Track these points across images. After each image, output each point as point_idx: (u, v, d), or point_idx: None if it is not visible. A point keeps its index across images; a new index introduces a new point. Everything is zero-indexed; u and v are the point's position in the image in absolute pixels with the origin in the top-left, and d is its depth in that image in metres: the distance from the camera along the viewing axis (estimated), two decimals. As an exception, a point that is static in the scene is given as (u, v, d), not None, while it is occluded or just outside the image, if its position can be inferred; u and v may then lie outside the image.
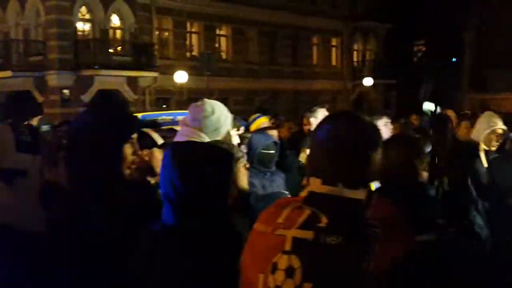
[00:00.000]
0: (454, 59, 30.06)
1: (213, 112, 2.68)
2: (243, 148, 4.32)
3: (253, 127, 6.90)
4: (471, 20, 26.22)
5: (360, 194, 1.45)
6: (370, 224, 1.39)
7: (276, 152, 4.03)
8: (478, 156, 4.65)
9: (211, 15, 24.14)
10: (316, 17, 28.05)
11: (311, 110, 5.51)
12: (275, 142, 4.14)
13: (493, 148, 4.71)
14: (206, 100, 2.77)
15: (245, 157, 4.29)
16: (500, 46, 31.74)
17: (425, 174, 2.51)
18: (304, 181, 1.52)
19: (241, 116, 7.15)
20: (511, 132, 5.11)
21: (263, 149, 3.98)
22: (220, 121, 2.69)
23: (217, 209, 1.74)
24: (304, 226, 1.41)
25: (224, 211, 1.74)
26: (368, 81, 28.70)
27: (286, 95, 27.19)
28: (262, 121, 6.51)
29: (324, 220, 1.40)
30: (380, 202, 1.52)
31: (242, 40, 25.89)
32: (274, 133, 5.40)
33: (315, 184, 1.47)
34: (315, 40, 29.81)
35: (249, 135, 4.51)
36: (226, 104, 2.87)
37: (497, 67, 34.40)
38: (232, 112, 2.88)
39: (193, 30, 24.69)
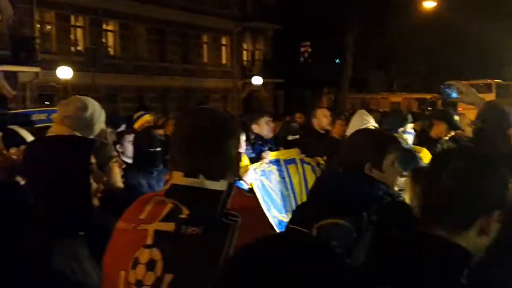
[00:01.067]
0: (337, 60, 31.56)
1: (84, 109, 2.58)
2: (119, 148, 4.25)
3: (137, 124, 6.82)
4: (353, 23, 27.66)
5: (221, 185, 1.49)
6: (231, 214, 1.43)
7: (162, 150, 3.98)
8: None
9: (97, 9, 23.29)
10: (206, 16, 28.08)
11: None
12: (160, 140, 4.11)
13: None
14: (77, 96, 2.68)
15: (129, 155, 4.23)
16: (379, 49, 33.88)
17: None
18: (167, 176, 1.55)
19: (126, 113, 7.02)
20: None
21: (148, 148, 3.94)
22: (92, 118, 2.60)
23: (77, 203, 1.68)
24: (166, 219, 1.44)
25: (86, 206, 1.69)
26: (257, 80, 29.27)
27: (176, 92, 26.95)
28: (146, 119, 6.46)
29: (185, 212, 1.43)
30: (241, 193, 1.57)
31: (131, 36, 25.25)
32: (160, 131, 5.38)
33: (176, 177, 1.50)
34: (205, 38, 29.85)
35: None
36: (114, 102, 2.79)
37: (377, 68, 36.69)
38: (121, 109, 2.79)
39: (78, 24, 23.69)
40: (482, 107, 2.83)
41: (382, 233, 1.80)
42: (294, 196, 4.81)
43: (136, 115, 7.07)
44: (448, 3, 26.29)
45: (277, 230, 4.21)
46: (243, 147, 4.55)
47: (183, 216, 1.43)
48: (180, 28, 27.21)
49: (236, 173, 1.61)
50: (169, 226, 1.42)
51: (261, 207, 1.59)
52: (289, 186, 4.82)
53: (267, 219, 1.59)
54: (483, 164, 1.39)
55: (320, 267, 0.89)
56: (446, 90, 3.00)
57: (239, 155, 1.63)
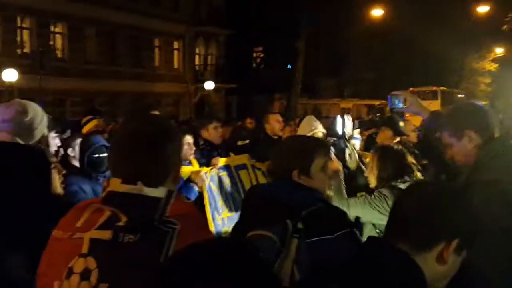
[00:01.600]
0: (289, 66, 31.87)
1: (25, 113, 2.47)
2: (70, 152, 4.15)
3: (85, 129, 6.67)
4: (304, 30, 28.00)
5: (159, 192, 1.47)
6: (169, 221, 1.41)
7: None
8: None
9: (45, 11, 22.66)
10: (158, 19, 27.82)
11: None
12: (106, 146, 4.03)
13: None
14: (17, 99, 2.57)
15: (76, 160, 4.13)
16: (330, 55, 34.45)
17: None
18: (105, 183, 1.52)
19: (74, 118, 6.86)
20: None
21: (94, 153, 3.85)
22: (33, 123, 2.49)
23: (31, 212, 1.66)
24: (102, 227, 1.41)
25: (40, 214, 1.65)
26: (209, 85, 29.19)
27: (127, 97, 26.51)
28: (95, 124, 6.33)
29: (123, 219, 1.40)
30: (181, 200, 1.56)
31: (80, 38, 24.70)
32: (106, 136, 5.27)
33: (114, 184, 1.48)
34: (157, 42, 29.56)
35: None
36: (62, 106, 2.70)
37: (328, 75, 37.26)
38: (69, 114, 2.71)
39: (25, 26, 23.00)
40: (427, 116, 2.93)
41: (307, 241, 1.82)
42: None
43: (84, 120, 6.93)
44: (394, 12, 27.05)
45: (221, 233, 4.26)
46: (190, 153, 4.54)
47: (120, 223, 1.40)
48: (131, 31, 26.81)
49: (176, 180, 1.58)
50: (106, 234, 1.39)
51: (200, 214, 1.57)
52: (241, 191, 4.83)
53: (207, 226, 1.58)
54: (449, 194, 1.48)
55: (245, 273, 0.92)
56: (392, 99, 3.07)
57: (179, 161, 1.61)
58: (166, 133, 1.55)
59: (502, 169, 2.29)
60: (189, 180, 4.35)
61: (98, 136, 4.37)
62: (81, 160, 3.86)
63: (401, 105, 3.00)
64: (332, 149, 3.26)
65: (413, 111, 3.06)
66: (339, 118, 3.13)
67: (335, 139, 5.22)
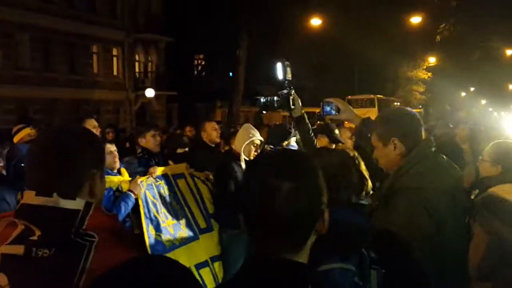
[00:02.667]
0: (230, 74, 31.95)
1: None
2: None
3: (16, 138, 6.42)
4: (243, 38, 28.17)
5: (76, 204, 1.42)
6: (87, 234, 1.37)
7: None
8: (240, 166, 4.99)
9: (-27, 15, 21.74)
10: (95, 26, 27.23)
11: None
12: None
13: (252, 157, 5.09)
14: None
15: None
16: (270, 64, 34.73)
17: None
18: (19, 196, 1.46)
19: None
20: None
21: (20, 162, 3.72)
22: None
23: None
24: (15, 241, 1.35)
25: None
26: (150, 92, 28.81)
27: (64, 104, 25.75)
28: (27, 132, 6.11)
29: (37, 233, 1.35)
30: (100, 212, 1.51)
31: (12, 44, 23.75)
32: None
33: (28, 196, 1.42)
34: (95, 48, 28.88)
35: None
36: None
37: (269, 82, 37.53)
38: (1, 122, 2.58)
39: (-48, 30, 21.97)
40: (359, 124, 3.00)
41: None
42: (189, 209, 4.76)
43: (15, 129, 6.67)
44: (332, 22, 27.68)
45: (148, 249, 4.18)
46: (114, 161, 4.45)
47: (34, 238, 1.34)
48: (67, 38, 26.05)
49: (93, 191, 1.52)
50: (18, 249, 1.33)
51: (122, 226, 1.52)
52: (181, 200, 4.77)
53: (128, 238, 1.52)
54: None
55: None
56: (325, 107, 3.10)
57: (97, 171, 1.55)
58: (79, 142, 1.50)
59: (421, 176, 2.35)
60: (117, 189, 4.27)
61: (25, 145, 4.21)
62: (7, 169, 3.71)
63: (333, 112, 3.04)
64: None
65: (345, 118, 3.12)
66: (279, 64, 3.08)
67: (272, 147, 5.27)
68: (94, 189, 1.52)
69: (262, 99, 3.22)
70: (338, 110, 3.04)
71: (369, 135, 2.91)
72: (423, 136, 2.49)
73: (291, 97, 3.11)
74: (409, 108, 2.57)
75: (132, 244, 1.52)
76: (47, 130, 1.59)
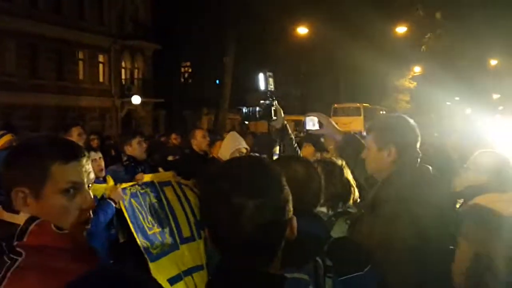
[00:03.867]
0: (217, 81, 31.98)
1: None
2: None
3: (-2, 145, 6.34)
4: (231, 45, 28.23)
5: (19, 219, 1.37)
6: (16, 251, 1.31)
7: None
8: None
9: (-41, 20, 21.52)
10: (82, 32, 27.11)
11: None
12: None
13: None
14: None
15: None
16: (257, 72, 34.80)
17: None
18: None
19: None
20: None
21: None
22: None
23: None
24: None
25: None
26: (136, 99, 28.69)
27: (50, 111, 25.56)
28: (8, 139, 6.04)
29: None
30: (42, 228, 1.41)
31: (-2, 50, 23.59)
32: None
33: None
34: (81, 55, 28.72)
35: None
36: None
37: (256, 90, 37.54)
38: None
39: None
40: (341, 138, 3.01)
41: None
42: (174, 218, 4.72)
43: (-4, 135, 6.58)
44: (319, 30, 27.84)
45: (145, 255, 4.15)
46: (99, 169, 4.42)
47: None
48: (54, 44, 25.91)
49: (44, 205, 1.44)
50: None
51: (65, 249, 1.42)
52: (167, 208, 4.73)
53: (67, 261, 1.38)
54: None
55: None
56: (307, 122, 3.10)
57: (29, 183, 1.45)
58: (22, 158, 1.45)
59: (408, 187, 2.35)
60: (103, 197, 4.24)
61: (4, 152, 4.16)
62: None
63: (316, 127, 3.04)
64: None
65: (327, 133, 3.12)
66: (261, 74, 3.07)
67: (258, 155, 5.27)
68: (42, 203, 1.44)
69: (244, 109, 3.20)
70: (321, 125, 3.04)
71: (351, 148, 2.93)
72: (417, 149, 2.50)
73: (273, 108, 3.11)
74: (411, 120, 2.56)
75: (75, 267, 1.32)
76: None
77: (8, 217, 1.36)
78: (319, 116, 3.05)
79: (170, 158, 8.12)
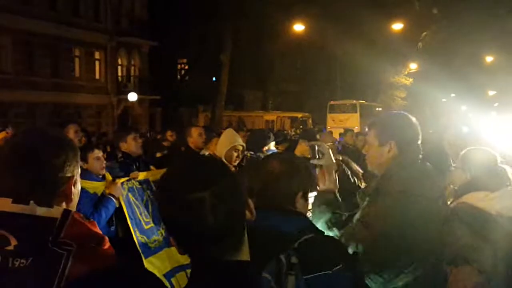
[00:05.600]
0: (214, 78, 31.94)
1: None
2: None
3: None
4: (227, 42, 28.20)
5: (54, 212, 1.39)
6: (64, 243, 1.34)
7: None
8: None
9: (-46, 18, 21.41)
10: (77, 29, 26.99)
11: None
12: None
13: (234, 163, 5.07)
14: None
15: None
16: (255, 67, 34.85)
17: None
18: None
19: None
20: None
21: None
22: None
23: None
24: None
25: None
26: (132, 96, 28.61)
27: (46, 108, 25.48)
28: (3, 136, 6.03)
29: (13, 242, 1.32)
30: (79, 220, 1.47)
31: (-7, 48, 23.50)
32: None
33: (4, 204, 1.37)
34: (77, 52, 28.60)
35: None
36: None
37: (253, 87, 37.64)
38: None
39: None
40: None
41: None
42: None
43: (-10, 133, 6.56)
44: (316, 27, 27.83)
45: (140, 251, 4.17)
46: (101, 167, 4.42)
47: (9, 247, 1.32)
48: (49, 41, 25.80)
49: (70, 197, 1.49)
50: None
51: (99, 234, 1.49)
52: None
53: (104, 246, 1.47)
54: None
55: None
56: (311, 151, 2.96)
57: (72, 177, 1.51)
58: (51, 147, 1.46)
59: (407, 181, 2.40)
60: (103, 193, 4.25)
61: None
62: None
63: (316, 156, 2.81)
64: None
65: (323, 163, 2.89)
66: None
67: (252, 152, 5.28)
68: (70, 194, 1.49)
69: None
70: (322, 155, 2.85)
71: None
72: (419, 146, 2.54)
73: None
74: (413, 118, 2.58)
75: (110, 251, 1.48)
76: (18, 135, 1.53)
77: (41, 211, 1.37)
78: (321, 146, 2.77)
79: (158, 154, 8.12)
